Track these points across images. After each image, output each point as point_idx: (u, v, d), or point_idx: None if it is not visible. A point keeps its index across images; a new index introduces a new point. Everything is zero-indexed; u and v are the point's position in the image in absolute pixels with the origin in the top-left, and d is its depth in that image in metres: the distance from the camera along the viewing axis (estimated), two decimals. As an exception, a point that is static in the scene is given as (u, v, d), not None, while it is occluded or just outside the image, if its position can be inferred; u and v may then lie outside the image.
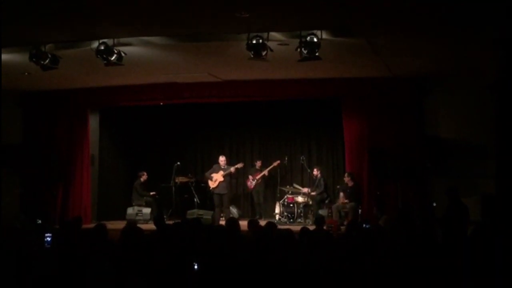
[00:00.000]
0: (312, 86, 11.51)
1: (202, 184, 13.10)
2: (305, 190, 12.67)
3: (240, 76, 11.26)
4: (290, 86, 11.58)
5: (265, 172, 13.32)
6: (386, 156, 10.85)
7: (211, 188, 12.43)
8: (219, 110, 13.87)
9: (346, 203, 11.51)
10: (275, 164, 13.18)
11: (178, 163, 12.89)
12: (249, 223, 7.66)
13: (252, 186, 13.44)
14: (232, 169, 12.33)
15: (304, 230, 6.79)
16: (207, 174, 12.57)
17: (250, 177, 13.52)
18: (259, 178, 13.34)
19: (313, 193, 12.46)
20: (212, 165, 12.85)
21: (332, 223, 10.33)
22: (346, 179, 11.62)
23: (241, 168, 12.87)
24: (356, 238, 6.05)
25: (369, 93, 11.35)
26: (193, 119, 14.41)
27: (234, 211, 13.19)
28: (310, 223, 11.52)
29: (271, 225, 7.71)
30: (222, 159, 12.51)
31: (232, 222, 7.35)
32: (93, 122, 13.25)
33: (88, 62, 9.09)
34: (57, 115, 12.71)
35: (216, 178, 12.31)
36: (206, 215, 12.10)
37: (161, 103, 12.93)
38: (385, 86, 11.14)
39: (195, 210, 12.33)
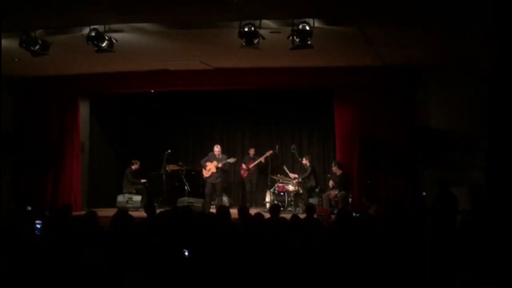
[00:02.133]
0: (304, 75, 11.46)
1: (193, 172, 13.12)
2: (293, 176, 12.79)
3: (232, 64, 11.18)
4: (282, 75, 11.53)
5: (262, 159, 13.30)
6: (377, 146, 10.90)
7: (204, 177, 12.49)
8: (211, 98, 13.80)
9: (336, 193, 11.53)
10: (267, 154, 13.21)
11: (169, 151, 12.88)
12: (239, 211, 7.68)
13: (246, 175, 13.50)
14: (220, 164, 12.32)
15: (295, 218, 6.79)
16: (202, 161, 12.60)
17: (244, 166, 13.53)
18: (252, 167, 13.36)
19: (300, 180, 12.50)
20: (203, 153, 12.87)
21: (322, 212, 10.36)
22: (334, 167, 11.68)
23: (232, 163, 12.86)
24: (346, 226, 6.05)
25: (361, 82, 11.29)
26: (185, 107, 14.37)
27: (224, 199, 13.12)
28: (301, 211, 11.53)
29: (276, 207, 8.08)
30: (217, 149, 12.54)
31: (223, 210, 7.40)
32: (84, 109, 13.14)
33: (79, 48, 9.01)
34: (48, 102, 12.60)
35: (210, 168, 12.34)
36: (197, 203, 12.10)
37: (152, 91, 12.87)
38: (377, 75, 11.09)
39: (185, 198, 12.33)
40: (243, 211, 7.60)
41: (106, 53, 8.66)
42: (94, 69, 11.65)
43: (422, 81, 11.00)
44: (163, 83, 12.13)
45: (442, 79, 10.79)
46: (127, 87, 12.40)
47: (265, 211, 12.00)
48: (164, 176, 12.80)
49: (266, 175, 13.35)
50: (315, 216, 9.76)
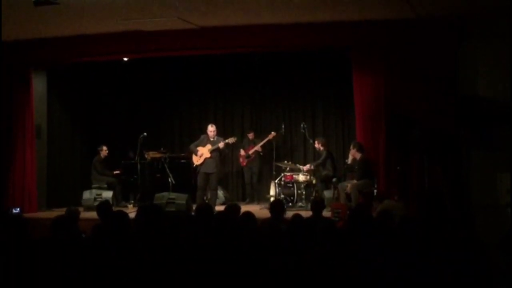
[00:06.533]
0: (313, 32, 11.02)
1: (182, 160, 13.04)
2: (306, 168, 12.51)
3: (222, 21, 10.79)
4: (286, 33, 11.10)
5: (257, 148, 13.30)
6: (408, 122, 10.47)
7: (195, 165, 12.14)
8: (199, 67, 13.71)
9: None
10: (270, 137, 13.12)
11: (145, 134, 12.77)
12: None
13: (245, 163, 13.50)
14: (221, 144, 11.95)
15: (296, 218, 6.36)
16: (192, 146, 12.25)
17: (242, 151, 13.49)
18: (252, 153, 13.34)
19: (312, 167, 12.42)
20: (192, 136, 12.69)
21: (339, 208, 9.88)
22: (352, 151, 11.34)
23: (233, 143, 12.64)
24: (362, 230, 5.48)
25: (387, 40, 10.87)
26: (166, 79, 14.34)
27: (219, 193, 13.10)
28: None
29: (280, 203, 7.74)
30: (211, 129, 12.13)
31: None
32: (40, 84, 12.91)
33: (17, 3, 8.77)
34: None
35: (202, 153, 11.95)
36: (179, 199, 11.75)
37: (125, 59, 12.71)
38: (407, 31, 10.69)
39: (165, 194, 11.98)
40: (230, 211, 7.14)
41: (61, 13, 8.67)
42: (48, 33, 11.36)
43: (467, 35, 10.54)
44: (135, 48, 11.79)
45: (493, 33, 10.19)
46: (91, 54, 12.05)
47: (269, 208, 11.74)
48: (139, 166, 12.70)
49: (270, 163, 13.18)
50: (329, 213, 9.72)
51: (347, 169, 11.97)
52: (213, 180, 11.97)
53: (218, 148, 11.91)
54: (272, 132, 13.10)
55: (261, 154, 13.38)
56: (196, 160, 12.03)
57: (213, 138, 11.99)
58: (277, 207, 7.54)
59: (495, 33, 10.15)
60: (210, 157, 11.88)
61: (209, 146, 11.91)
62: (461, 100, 10.35)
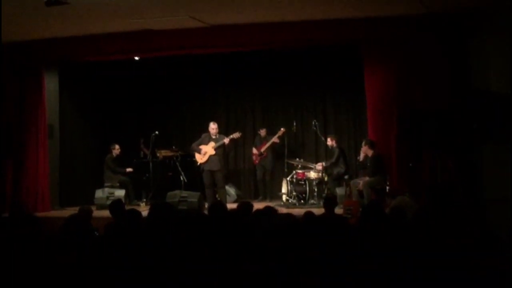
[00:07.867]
0: (324, 29, 10.92)
1: (192, 158, 12.82)
2: (319, 165, 12.39)
3: (232, 19, 10.71)
4: (296, 31, 10.99)
5: (274, 139, 13.08)
6: (420, 117, 10.35)
7: (199, 164, 12.07)
8: (210, 65, 13.61)
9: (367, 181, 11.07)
10: (280, 133, 13.03)
11: (156, 132, 12.71)
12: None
13: (257, 161, 13.41)
14: (226, 140, 11.85)
15: (308, 215, 6.31)
16: (194, 145, 12.15)
17: (254, 149, 13.42)
18: (264, 151, 13.21)
19: (325, 165, 12.31)
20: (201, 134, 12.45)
21: (351, 205, 9.77)
22: (364, 148, 11.21)
23: (238, 138, 12.52)
24: (374, 226, 5.36)
25: (397, 36, 10.72)
26: (177, 77, 14.21)
27: (231, 191, 13.03)
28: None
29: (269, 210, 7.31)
30: (213, 127, 12.03)
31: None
32: (52, 84, 12.83)
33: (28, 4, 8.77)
34: (3, 75, 11.98)
35: (206, 151, 11.87)
36: (191, 197, 11.67)
37: (136, 58, 12.63)
38: (418, 26, 10.53)
39: (177, 192, 11.92)
40: (243, 209, 6.99)
41: (72, 12, 8.57)
42: (59, 32, 11.30)
43: (478, 29, 10.36)
44: (146, 46, 11.69)
45: (505, 26, 9.98)
46: (102, 53, 11.99)
47: (281, 205, 11.70)
48: (151, 165, 12.70)
49: (283, 160, 13.09)
50: (341, 210, 9.40)
51: (359, 166, 11.87)
52: (219, 178, 11.89)
53: (223, 144, 11.82)
54: (282, 128, 12.98)
55: (276, 144, 13.15)
56: (200, 159, 11.94)
57: (215, 135, 11.92)
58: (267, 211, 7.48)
59: (507, 26, 9.96)
60: (215, 154, 11.78)
61: (212, 144, 11.83)
62: (473, 94, 10.23)
